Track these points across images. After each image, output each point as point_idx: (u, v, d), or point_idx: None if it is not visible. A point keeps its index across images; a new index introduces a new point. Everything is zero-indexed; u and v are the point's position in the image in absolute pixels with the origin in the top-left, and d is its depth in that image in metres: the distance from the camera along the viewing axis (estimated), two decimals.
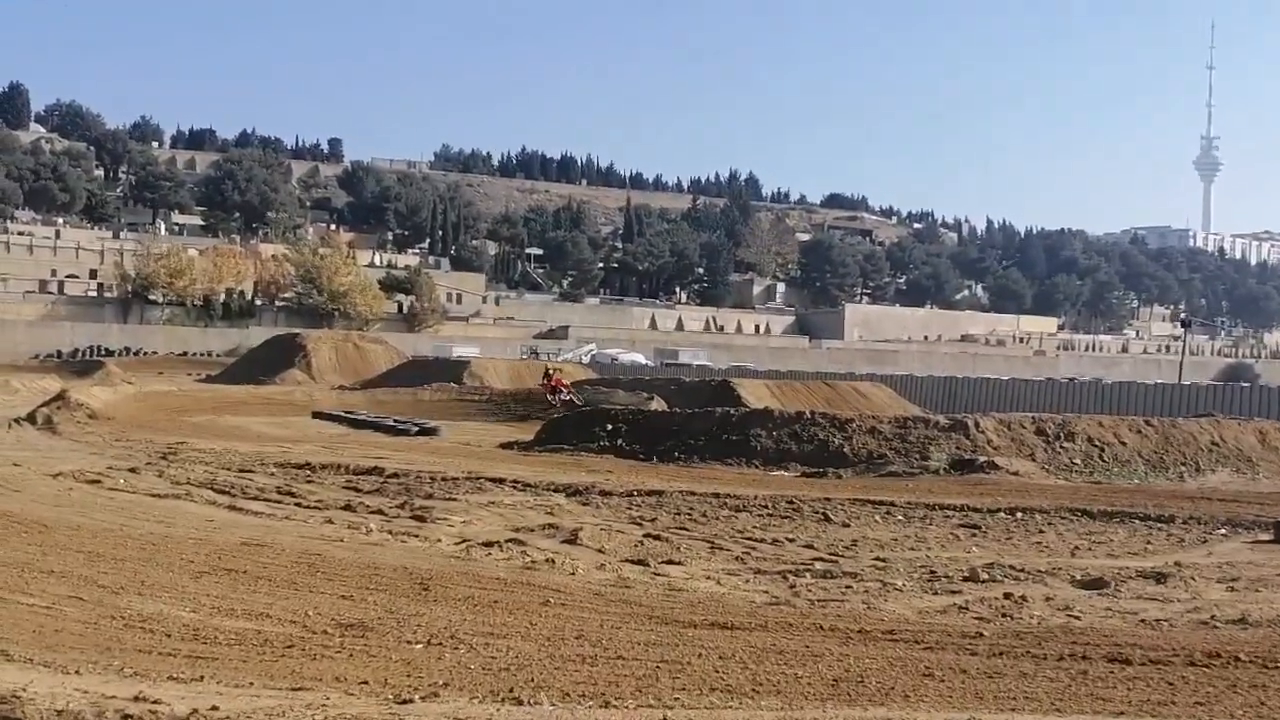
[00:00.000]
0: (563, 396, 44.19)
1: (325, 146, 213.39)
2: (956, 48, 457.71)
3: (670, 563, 14.21)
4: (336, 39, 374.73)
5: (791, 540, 16.46)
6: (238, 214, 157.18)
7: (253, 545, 13.88)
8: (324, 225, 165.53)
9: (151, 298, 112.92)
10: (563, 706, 6.96)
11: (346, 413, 42.45)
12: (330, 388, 60.27)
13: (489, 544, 14.90)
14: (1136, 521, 19.21)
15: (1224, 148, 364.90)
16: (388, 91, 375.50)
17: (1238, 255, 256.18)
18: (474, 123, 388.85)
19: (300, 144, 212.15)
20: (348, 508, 18.07)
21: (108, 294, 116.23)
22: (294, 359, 70.64)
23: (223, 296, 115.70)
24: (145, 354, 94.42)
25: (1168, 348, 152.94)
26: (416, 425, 36.79)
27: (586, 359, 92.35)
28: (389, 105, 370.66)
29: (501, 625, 10.06)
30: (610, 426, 31.31)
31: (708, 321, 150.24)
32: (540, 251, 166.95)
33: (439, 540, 15.29)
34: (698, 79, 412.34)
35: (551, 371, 47.09)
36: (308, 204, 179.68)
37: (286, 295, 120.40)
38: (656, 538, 16.18)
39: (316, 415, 42.74)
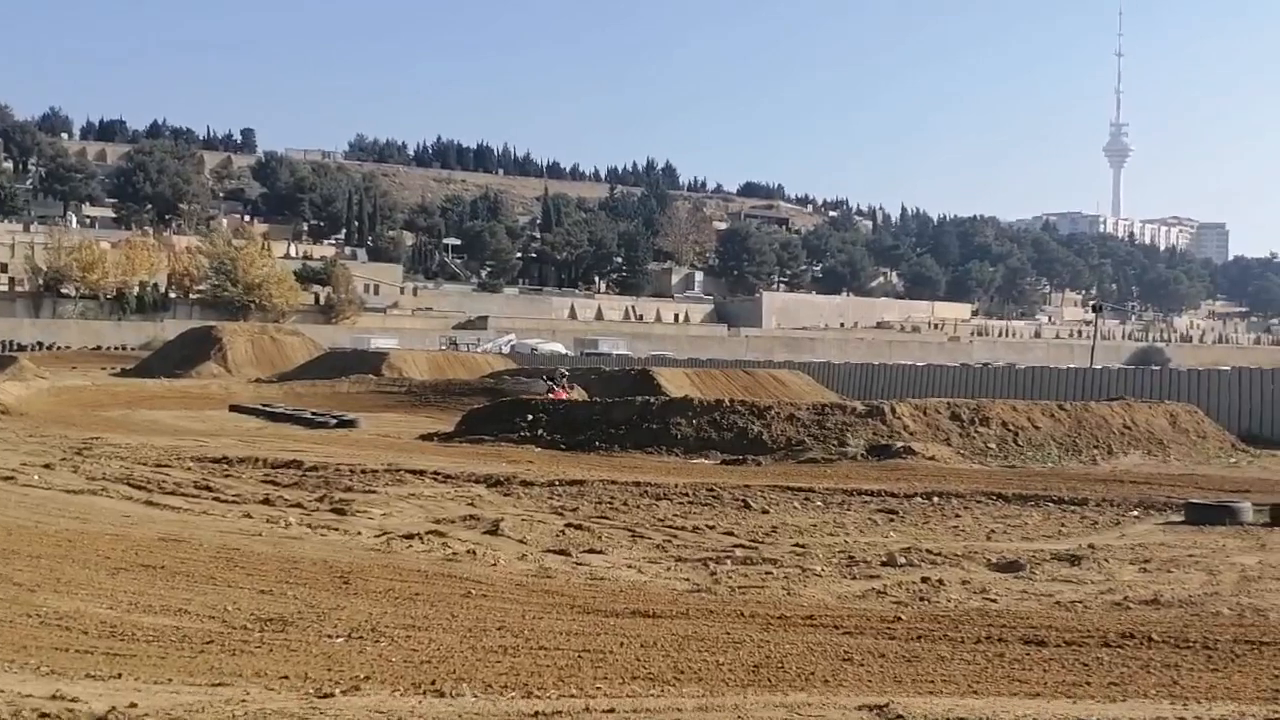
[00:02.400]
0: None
1: (238, 137, 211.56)
2: (870, 36, 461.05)
3: (592, 552, 14.23)
4: (248, 28, 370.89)
5: (712, 528, 16.52)
6: (150, 206, 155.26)
7: (170, 540, 13.72)
8: (238, 216, 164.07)
9: (64, 291, 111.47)
10: (485, 697, 6.96)
11: (264, 406, 42.03)
12: (247, 381, 59.74)
13: (410, 536, 14.84)
14: (1050, 505, 19.47)
15: (1133, 134, 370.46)
16: (301, 81, 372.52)
17: (1147, 240, 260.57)
18: (389, 112, 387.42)
19: (212, 135, 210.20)
20: (266, 501, 17.90)
21: (19, 288, 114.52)
22: (209, 352, 69.93)
23: (136, 289, 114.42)
24: (58, 348, 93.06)
25: (1079, 333, 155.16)
26: (335, 418, 36.51)
27: (506, 349, 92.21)
28: (302, 95, 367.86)
29: (423, 617, 10.03)
30: (530, 417, 31.23)
31: (627, 311, 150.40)
32: (458, 242, 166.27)
33: (359, 533, 15.19)
34: (614, 68, 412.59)
35: (560, 380, 43.77)
36: (221, 195, 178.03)
37: (201, 288, 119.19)
38: (578, 527, 16.18)
39: (233, 409, 42.29)
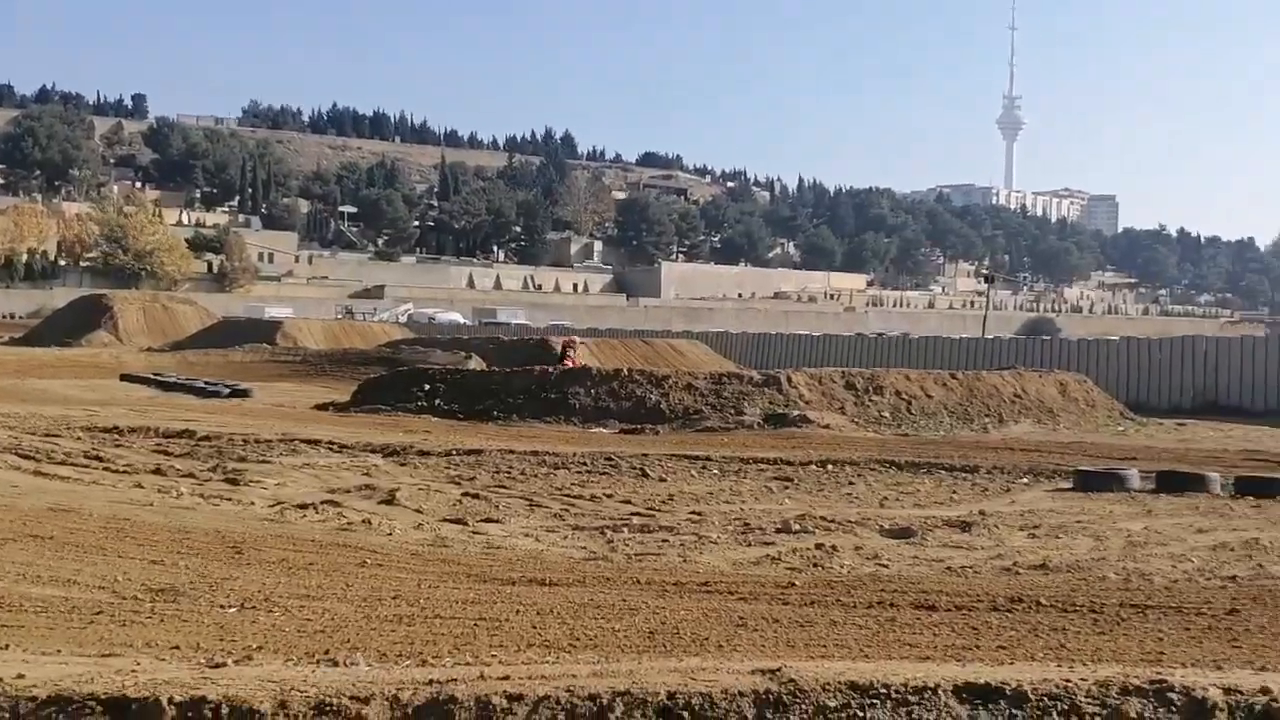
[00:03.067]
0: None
1: (129, 103, 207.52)
2: (767, 8, 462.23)
3: (489, 521, 14.20)
4: None
5: (609, 496, 16.55)
6: (39, 172, 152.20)
7: (59, 511, 13.50)
8: (129, 183, 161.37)
9: None
10: (379, 666, 6.92)
11: (155, 375, 41.40)
12: (138, 350, 58.91)
13: (304, 506, 14.71)
14: (942, 472, 19.76)
15: (1025, 107, 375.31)
16: (193, 46, 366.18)
17: (1039, 212, 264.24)
18: (283, 78, 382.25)
19: (103, 100, 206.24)
20: (158, 471, 17.65)
21: None
22: (100, 320, 68.88)
23: (24, 257, 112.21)
24: None
25: (972, 303, 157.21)
26: (228, 387, 36.08)
27: (403, 318, 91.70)
28: (195, 60, 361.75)
29: (317, 587, 9.96)
30: (428, 386, 31.05)
31: (525, 280, 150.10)
32: (354, 210, 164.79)
33: (252, 503, 15.04)
34: (512, 36, 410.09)
35: (569, 349, 42.31)
36: (112, 161, 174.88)
37: (91, 255, 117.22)
38: (475, 496, 16.15)
39: (124, 378, 41.62)
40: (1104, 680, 6.04)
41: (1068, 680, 6.06)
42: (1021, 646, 8.18)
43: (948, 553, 12.61)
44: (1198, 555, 12.48)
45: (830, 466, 20.02)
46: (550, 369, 32.67)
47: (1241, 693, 5.90)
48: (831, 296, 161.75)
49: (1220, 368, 41.06)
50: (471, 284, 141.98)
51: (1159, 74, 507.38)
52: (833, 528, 14.01)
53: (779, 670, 6.00)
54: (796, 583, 10.58)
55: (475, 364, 40.94)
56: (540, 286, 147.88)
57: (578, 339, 47.57)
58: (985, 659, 7.61)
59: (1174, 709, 5.72)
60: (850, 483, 18.56)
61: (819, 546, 12.62)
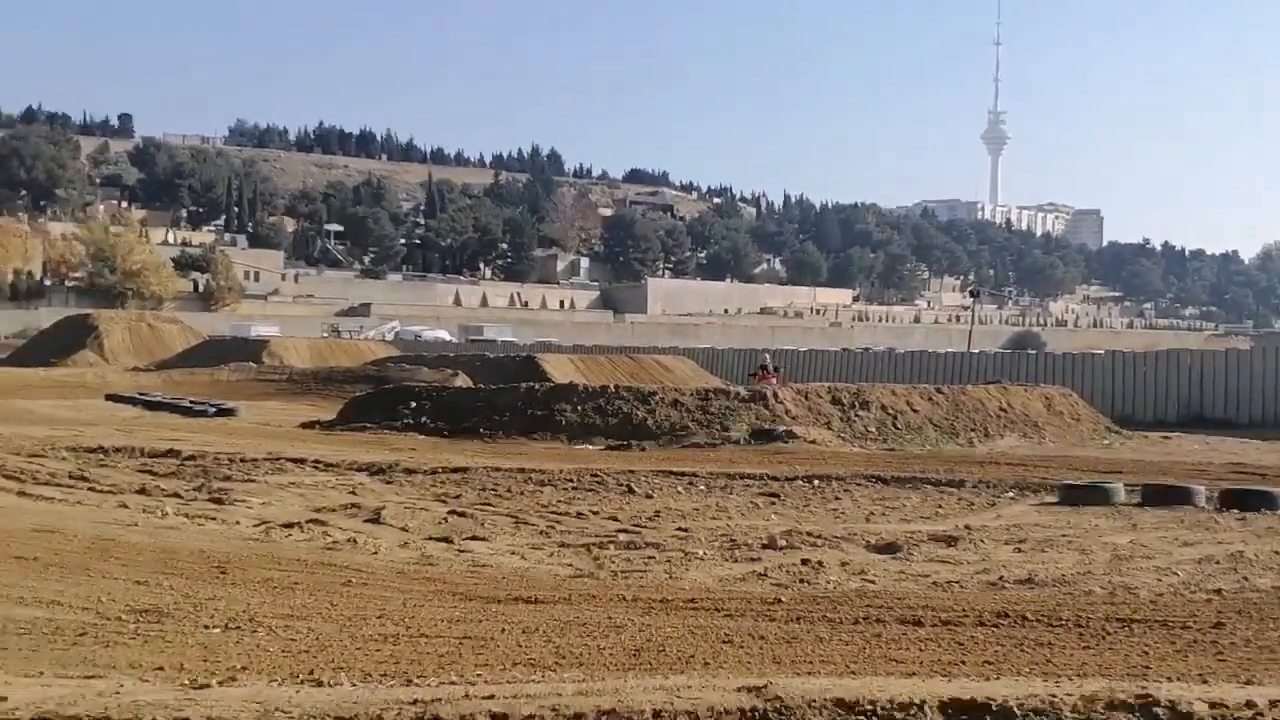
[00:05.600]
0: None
1: (115, 122, 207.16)
2: (751, 23, 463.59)
3: (475, 539, 14.18)
4: (123, 10, 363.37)
5: (596, 513, 16.53)
6: (24, 192, 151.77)
7: (43, 531, 13.44)
8: (115, 203, 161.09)
9: None
10: (364, 686, 6.91)
11: (141, 394, 41.34)
12: (124, 369, 58.80)
13: (289, 525, 14.67)
14: (928, 487, 19.77)
15: (1010, 122, 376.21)
16: (179, 66, 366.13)
17: (1024, 227, 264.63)
18: (268, 97, 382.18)
19: (89, 120, 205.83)
20: (143, 491, 17.60)
21: None
22: (86, 340, 68.79)
23: (10, 277, 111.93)
24: None
25: (958, 318, 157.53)
26: (214, 406, 36.04)
27: (390, 336, 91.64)
28: (181, 80, 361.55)
29: (302, 607, 9.94)
30: (414, 404, 31.05)
31: (512, 297, 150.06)
32: (340, 228, 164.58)
33: (238, 522, 15.00)
34: (498, 53, 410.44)
35: (764, 367, 43.09)
36: (98, 181, 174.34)
37: (77, 275, 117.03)
38: (461, 514, 16.11)
39: (110, 398, 41.55)
40: (1090, 695, 6.05)
41: (1054, 695, 6.07)
42: (1007, 661, 8.18)
43: (934, 567, 12.61)
44: (1183, 569, 12.50)
45: (816, 482, 20.02)
46: (535, 386, 32.57)
47: (1227, 707, 5.92)
48: (817, 312, 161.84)
49: (1205, 381, 41.21)
50: (458, 301, 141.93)
51: (1144, 89, 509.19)
52: (819, 543, 14.01)
53: (765, 687, 6.01)
54: (783, 599, 10.58)
55: (462, 381, 40.94)
56: (527, 304, 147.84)
57: (769, 355, 47.37)
58: (971, 674, 7.62)
59: None
60: (836, 498, 18.56)
61: (805, 562, 12.61)
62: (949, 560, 13.04)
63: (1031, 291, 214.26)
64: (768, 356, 47.88)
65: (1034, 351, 65.97)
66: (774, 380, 39.91)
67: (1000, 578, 11.92)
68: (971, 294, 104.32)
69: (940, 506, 17.86)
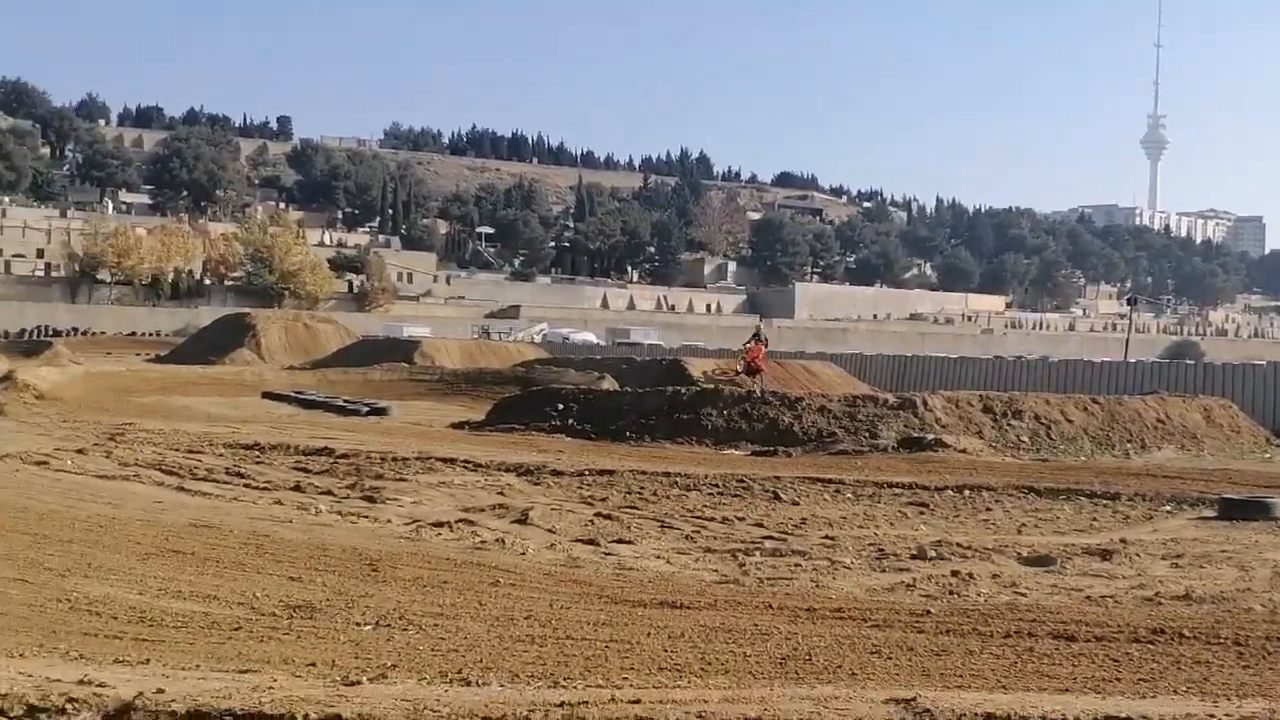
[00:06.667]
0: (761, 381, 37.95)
1: (274, 124, 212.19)
2: (907, 24, 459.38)
3: (620, 542, 14.23)
4: (285, 15, 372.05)
5: (741, 519, 16.50)
6: (186, 192, 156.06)
7: (200, 527, 13.78)
8: (273, 204, 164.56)
9: (99, 277, 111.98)
10: (511, 687, 6.95)
11: (296, 393, 42.12)
12: (280, 368, 59.91)
13: (439, 524, 14.86)
14: (1082, 499, 19.37)
15: (1170, 126, 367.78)
16: (337, 69, 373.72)
17: (1183, 233, 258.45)
18: (424, 101, 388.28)
19: (249, 122, 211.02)
20: (297, 488, 17.96)
21: (55, 273, 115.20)
22: (243, 339, 70.11)
23: (171, 276, 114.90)
24: (93, 334, 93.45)
25: (1114, 326, 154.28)
26: (367, 405, 36.58)
27: (538, 338, 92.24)
28: (338, 83, 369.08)
29: (450, 606, 10.04)
30: (561, 406, 31.24)
31: (659, 301, 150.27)
32: (491, 230, 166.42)
33: (389, 521, 15.23)
34: (648, 57, 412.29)
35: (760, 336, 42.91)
36: (256, 182, 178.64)
37: (236, 275, 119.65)
38: (607, 517, 16.18)
39: (266, 395, 42.41)
40: (1249, 716, 5.88)
41: (1211, 715, 5.91)
42: (1164, 680, 7.98)
43: (1087, 582, 12.35)
44: None
45: (967, 492, 19.74)
46: (681, 389, 32.48)
47: None
48: (969, 318, 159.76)
49: None
50: (605, 304, 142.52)
51: None
52: (969, 555, 13.81)
53: (914, 700, 5.91)
54: (932, 610, 10.43)
55: (608, 384, 41.07)
56: (674, 307, 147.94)
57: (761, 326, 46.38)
58: (1126, 692, 7.45)
59: None
60: (988, 509, 18.29)
61: (955, 574, 12.44)
62: (1103, 574, 12.77)
63: (1190, 300, 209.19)
64: (760, 325, 46.22)
65: (1193, 361, 64.26)
66: (763, 354, 39.35)
67: (1156, 593, 11.64)
68: (1129, 302, 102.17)
69: (1095, 519, 17.50)
